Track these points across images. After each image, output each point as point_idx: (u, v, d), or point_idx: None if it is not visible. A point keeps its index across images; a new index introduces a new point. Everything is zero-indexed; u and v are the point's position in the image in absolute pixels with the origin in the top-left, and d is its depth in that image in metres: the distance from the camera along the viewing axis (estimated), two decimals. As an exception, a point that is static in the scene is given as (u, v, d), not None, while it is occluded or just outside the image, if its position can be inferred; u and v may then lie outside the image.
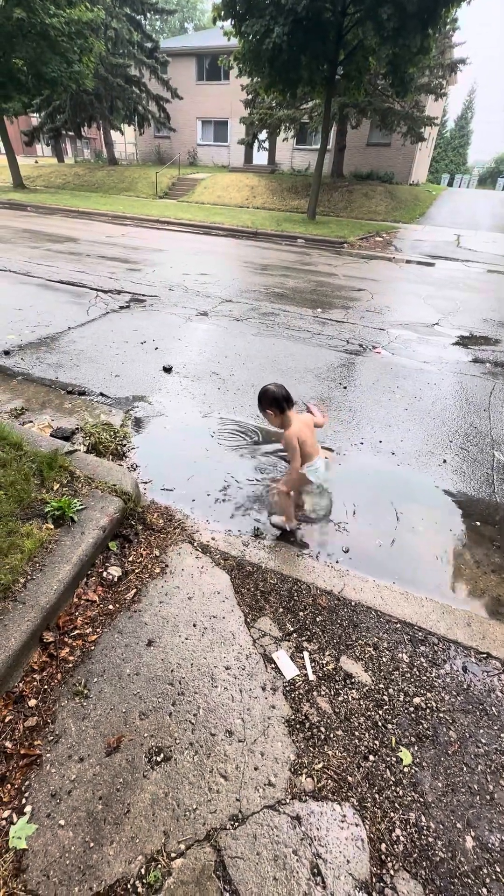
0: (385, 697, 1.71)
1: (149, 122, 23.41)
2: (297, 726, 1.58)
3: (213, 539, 2.40)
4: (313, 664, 1.80)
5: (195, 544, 2.35)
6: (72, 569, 1.95)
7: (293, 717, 1.61)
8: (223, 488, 2.82)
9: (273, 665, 1.78)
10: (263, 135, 21.33)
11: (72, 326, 5.12)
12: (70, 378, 4.01)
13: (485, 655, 1.91)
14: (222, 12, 11.69)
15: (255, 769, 1.45)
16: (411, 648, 1.92)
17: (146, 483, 2.82)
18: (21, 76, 14.58)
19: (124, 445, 3.15)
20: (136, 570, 2.14)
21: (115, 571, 2.11)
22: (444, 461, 3.26)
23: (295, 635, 1.92)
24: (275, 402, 2.19)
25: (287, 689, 1.70)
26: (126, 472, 2.67)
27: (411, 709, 1.68)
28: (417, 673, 1.81)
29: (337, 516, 2.67)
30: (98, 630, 1.84)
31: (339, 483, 2.95)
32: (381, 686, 1.75)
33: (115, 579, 2.08)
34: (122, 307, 5.89)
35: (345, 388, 4.19)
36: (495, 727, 1.65)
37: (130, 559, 2.20)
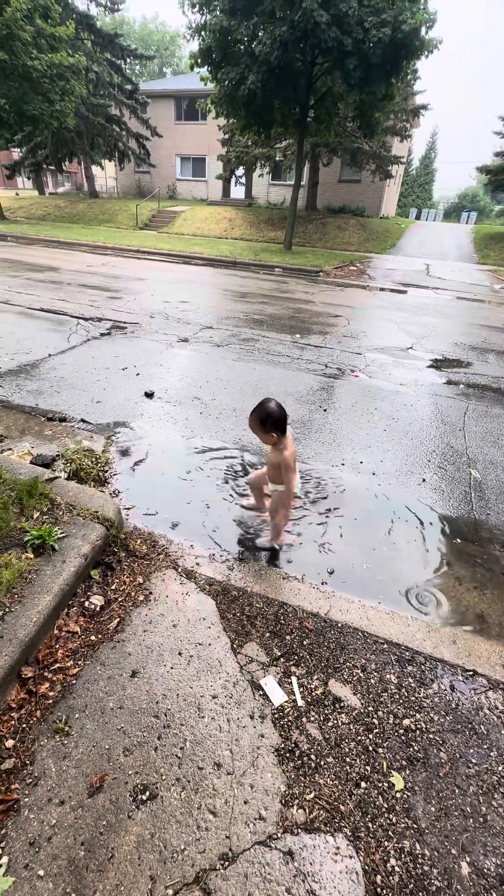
0: (375, 720, 1.69)
1: (129, 157, 24.20)
2: (287, 755, 1.55)
3: (197, 564, 2.37)
4: (302, 689, 1.77)
5: (179, 570, 2.31)
6: (52, 599, 1.90)
7: (283, 745, 1.57)
8: (206, 513, 2.81)
9: (261, 692, 1.74)
10: (240, 171, 22.27)
11: (52, 353, 5.12)
12: (50, 405, 3.98)
13: (471, 673, 1.91)
14: (199, 59, 12.36)
15: (245, 803, 1.40)
16: (399, 669, 1.91)
17: (128, 509, 2.79)
18: (3, 114, 14.97)
19: (106, 471, 3.12)
20: (119, 599, 2.09)
21: (97, 601, 2.06)
22: (424, 480, 3.33)
23: (282, 660, 1.89)
24: (279, 424, 2.15)
25: (276, 716, 1.66)
26: (108, 498, 2.64)
27: (401, 731, 1.66)
28: (406, 694, 1.80)
29: (322, 537, 2.68)
30: (80, 662, 1.78)
31: (322, 504, 2.97)
32: (371, 709, 1.73)
33: (98, 609, 2.03)
34: (103, 334, 5.93)
35: (325, 410, 4.28)
36: (484, 746, 1.64)
37: (113, 587, 2.15)
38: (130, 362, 5.02)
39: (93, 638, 1.89)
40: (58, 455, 3.18)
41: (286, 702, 1.72)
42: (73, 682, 1.71)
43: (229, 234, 19.22)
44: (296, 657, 1.91)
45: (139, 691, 1.70)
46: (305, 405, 4.35)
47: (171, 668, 1.80)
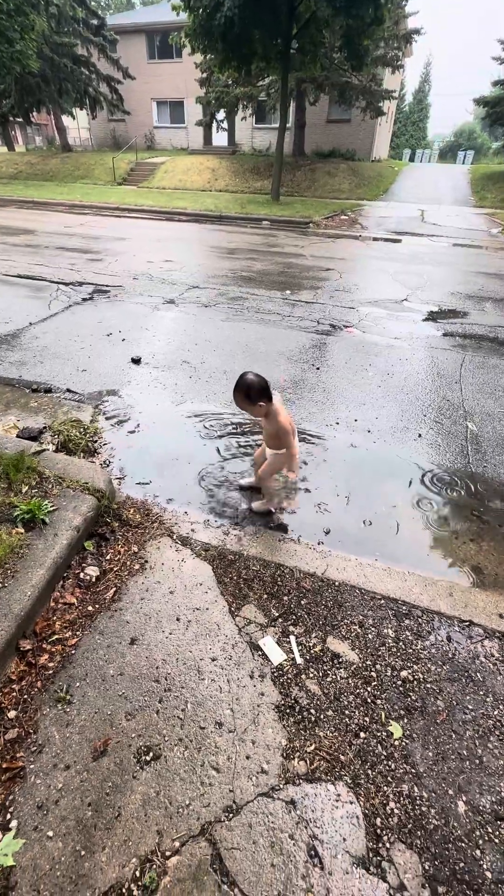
0: (373, 674, 1.71)
1: (101, 104, 22.47)
2: (288, 711, 1.57)
3: (192, 531, 2.35)
4: (300, 647, 1.79)
5: (174, 537, 2.30)
6: (46, 573, 1.88)
7: (283, 702, 1.60)
8: (200, 479, 2.77)
9: (260, 652, 1.76)
10: (221, 114, 20.82)
11: (33, 322, 4.91)
12: (34, 376, 3.85)
13: (467, 623, 1.93)
14: (169, -16, 11.19)
15: (247, 758, 1.43)
16: (396, 623, 1.93)
17: (120, 478, 2.74)
18: (-41, 59, 13.71)
19: (95, 442, 3.05)
20: (115, 569, 2.08)
21: (92, 571, 2.05)
22: (420, 435, 3.27)
23: (280, 620, 1.90)
24: (263, 391, 2.06)
25: (275, 674, 1.68)
26: (98, 468, 2.58)
27: (399, 682, 1.69)
28: (403, 647, 1.83)
29: (317, 497, 2.66)
30: (78, 633, 1.78)
31: (318, 464, 2.93)
32: (369, 663, 1.75)
33: (93, 579, 2.02)
34: (85, 299, 5.69)
35: (318, 369, 4.16)
36: (481, 692, 1.67)
37: (108, 558, 2.14)
38: (115, 327, 4.83)
39: (90, 608, 1.89)
40: (45, 427, 3.09)
41: (285, 660, 1.73)
42: (73, 652, 1.71)
43: (213, 185, 18.19)
44: (294, 617, 1.92)
45: (139, 658, 1.71)
46: (298, 364, 4.23)
47: (170, 633, 1.81)
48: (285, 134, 14.57)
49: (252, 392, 2.05)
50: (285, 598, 2.01)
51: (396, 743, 1.51)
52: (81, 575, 2.03)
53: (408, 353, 4.53)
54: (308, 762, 1.44)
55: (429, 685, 1.69)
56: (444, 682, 1.70)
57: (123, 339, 4.57)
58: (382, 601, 2.02)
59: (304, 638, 1.83)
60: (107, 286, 6.19)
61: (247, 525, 2.44)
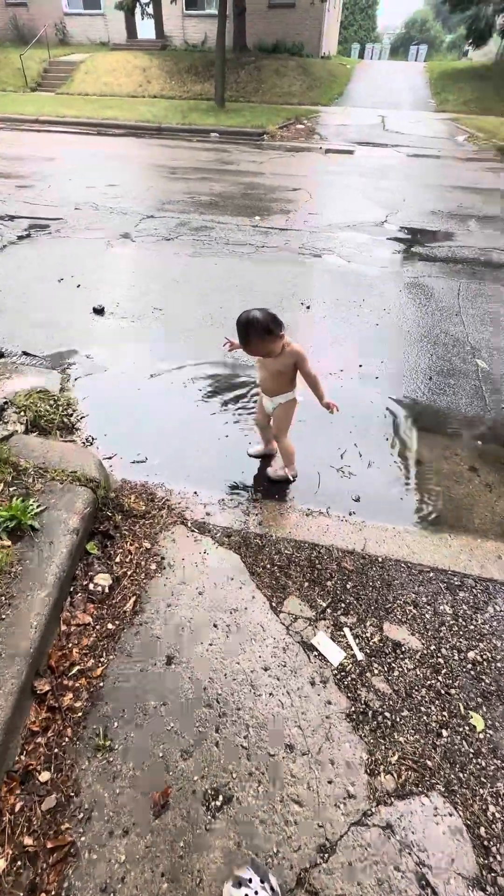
0: (440, 660, 1.57)
1: (-6, -18, 18.30)
2: (360, 718, 1.41)
3: (207, 514, 2.05)
4: (358, 640, 1.61)
5: (189, 524, 1.99)
6: (49, 593, 1.55)
7: (353, 708, 1.43)
8: (203, 449, 2.42)
9: (315, 653, 1.56)
10: (145, -4, 17.52)
11: (-38, 269, 4.09)
12: (-22, 338, 3.22)
13: (523, 588, 1.81)
14: None
15: (329, 783, 1.27)
16: (451, 597, 1.77)
17: (109, 458, 2.35)
18: None
19: (71, 415, 2.60)
20: (129, 573, 1.78)
21: (102, 580, 1.73)
22: (430, 378, 3.02)
23: (329, 611, 1.70)
24: (277, 320, 1.75)
25: (338, 677, 1.50)
26: (84, 451, 2.18)
27: (468, 666, 1.56)
28: (464, 623, 1.68)
29: (336, 460, 2.40)
30: (102, 659, 1.51)
31: (331, 421, 2.64)
32: (433, 648, 1.60)
33: (106, 589, 1.71)
34: (21, 237, 4.80)
35: (308, 307, 3.73)
36: (553, 665, 1.57)
37: (118, 560, 1.82)
38: (66, 271, 4.11)
39: (110, 626, 1.60)
40: (5, 403, 2.58)
41: (345, 658, 1.55)
42: (101, 684, 1.44)
43: (146, 90, 15.74)
44: (342, 605, 1.72)
45: (181, 680, 1.47)
46: (285, 303, 3.77)
47: (210, 644, 1.57)
48: (225, 24, 12.50)
49: (271, 325, 1.73)
50: (328, 583, 1.79)
51: (481, 736, 1.39)
52: (91, 586, 1.71)
53: (400, 284, 4.15)
54: (395, 775, 1.29)
55: (499, 664, 1.57)
56: (513, 659, 1.58)
57: (79, 286, 3.90)
58: (431, 573, 1.85)
59: (359, 628, 1.65)
60: (45, 220, 5.25)
61: (267, 500, 2.16)
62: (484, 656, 1.59)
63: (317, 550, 1.92)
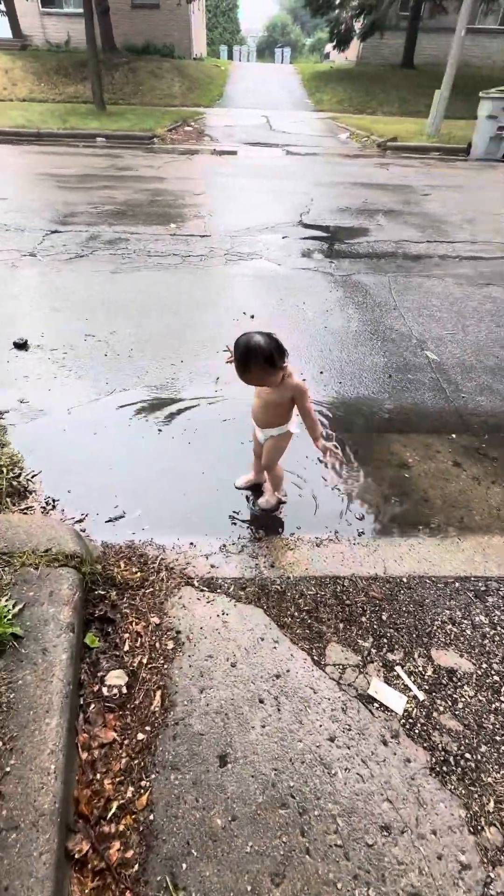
0: (495, 678, 1.51)
1: None
2: (444, 769, 1.30)
3: (213, 567, 1.83)
4: (413, 678, 1.50)
5: (196, 584, 1.76)
6: (59, 718, 1.24)
7: (433, 759, 1.32)
8: (182, 489, 2.18)
9: (376, 704, 1.43)
10: (-5, -9, 16.16)
11: None
12: None
13: (541, 579, 1.83)
14: None
15: (440, 858, 1.14)
16: (481, 605, 1.74)
17: (81, 521, 2.02)
18: None
19: (18, 476, 2.20)
20: (144, 661, 1.50)
21: (116, 679, 1.45)
22: (390, 376, 3.04)
23: (374, 651, 1.57)
24: (281, 347, 1.57)
25: (407, 727, 1.38)
26: (51, 519, 1.84)
27: (522, 676, 1.52)
28: (502, 630, 1.65)
29: (323, 475, 2.29)
30: (143, 783, 1.24)
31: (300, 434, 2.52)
32: (485, 666, 1.55)
33: (124, 689, 1.43)
34: None
35: (252, 317, 3.59)
36: None
37: (126, 648, 1.53)
38: (-32, 302, 3.55)
39: (140, 736, 1.33)
40: None
41: (407, 702, 1.44)
42: (150, 817, 1.18)
43: (13, 93, 14.47)
44: (385, 640, 1.61)
45: (242, 781, 1.25)
46: (228, 314, 3.59)
47: (263, 726, 1.36)
48: (93, 22, 11.88)
49: (275, 354, 1.55)
50: (363, 618, 1.67)
51: None
52: (104, 690, 1.42)
53: (333, 284, 4.17)
54: (499, 825, 1.20)
55: (548, 666, 1.55)
56: None
57: (-11, 318, 3.38)
58: (456, 584, 1.81)
59: (409, 663, 1.54)
60: None
61: (271, 535, 1.99)
62: (532, 662, 1.57)
63: (340, 584, 1.78)
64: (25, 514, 1.98)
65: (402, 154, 10.53)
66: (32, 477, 2.21)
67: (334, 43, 20.03)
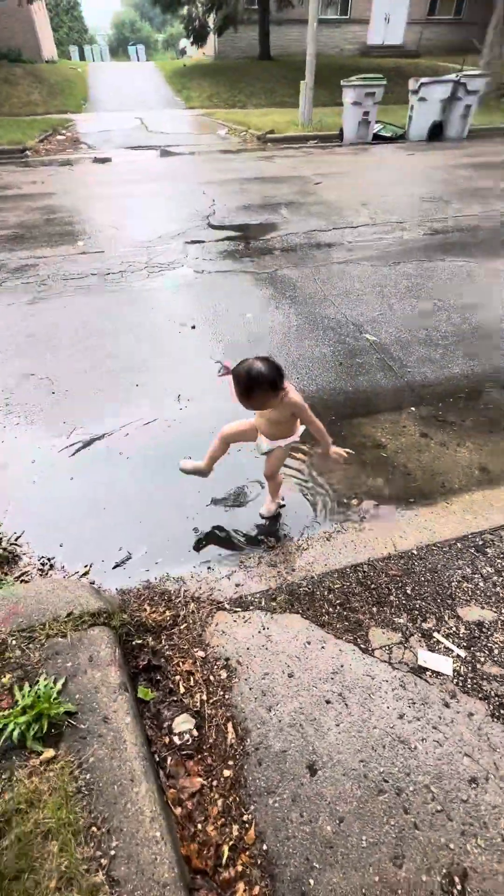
0: (515, 618, 1.70)
1: None
2: (501, 711, 1.44)
3: (238, 586, 1.83)
4: (450, 639, 1.63)
5: (227, 606, 1.75)
6: (146, 783, 1.19)
7: (490, 706, 1.45)
8: (180, 517, 2.14)
9: (428, 672, 1.54)
10: None
11: None
12: None
13: (523, 522, 2.06)
14: None
15: (523, 791, 1.27)
16: (484, 558, 1.93)
17: (87, 573, 1.91)
18: None
19: (0, 541, 2.02)
20: (204, 697, 1.48)
21: (184, 724, 1.41)
22: (341, 363, 3.19)
23: (410, 625, 1.68)
24: (282, 374, 1.61)
25: (460, 685, 1.51)
26: (63, 581, 1.73)
27: (535, 611, 1.72)
28: (508, 576, 1.85)
29: (305, 471, 2.37)
30: (245, 818, 1.23)
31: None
32: (501, 608, 1.72)
33: (194, 731, 1.40)
34: None
35: (193, 327, 3.56)
36: None
37: (182, 690, 1.50)
38: None
39: (227, 773, 1.32)
40: None
41: (453, 663, 1.56)
42: (263, 847, 1.18)
43: None
44: (416, 612, 1.73)
45: (337, 783, 1.29)
46: (168, 328, 3.53)
47: (337, 724, 1.41)
48: None
49: (277, 379, 1.58)
50: (391, 597, 1.78)
51: None
52: (175, 740, 1.38)
53: (261, 282, 4.25)
54: None
55: (551, 596, 1.77)
56: None
57: None
58: (458, 544, 1.98)
59: (443, 627, 1.67)
60: None
61: (282, 541, 2.03)
62: (539, 596, 1.77)
63: (360, 570, 1.88)
64: (25, 581, 1.83)
65: (283, 145, 10.87)
66: (16, 539, 2.04)
67: (191, 39, 19.99)
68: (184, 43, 30.39)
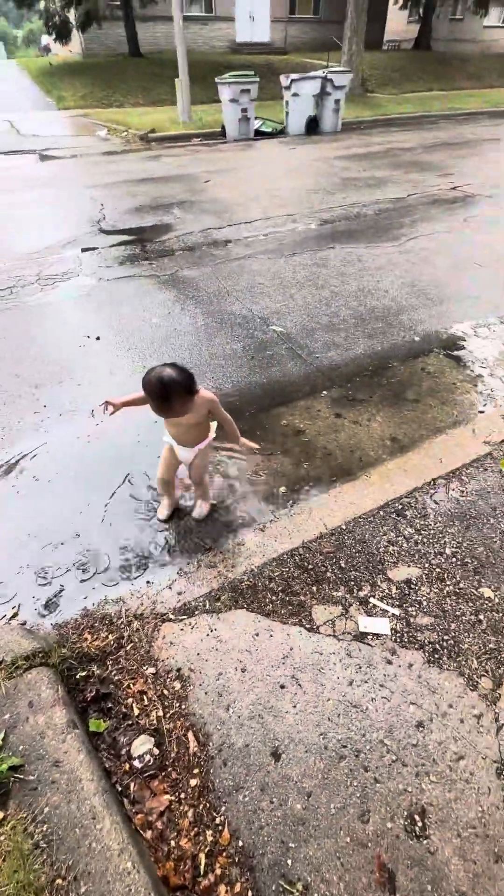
0: (437, 569, 1.86)
1: None
2: (435, 656, 1.57)
3: (180, 594, 1.81)
4: (385, 600, 1.75)
5: (174, 617, 1.73)
6: (110, 817, 1.15)
7: (425, 653, 1.58)
8: (105, 536, 2.07)
9: (369, 636, 1.64)
10: None
11: None
12: None
13: (431, 480, 2.26)
14: None
15: (462, 721, 1.41)
16: (405, 521, 2.08)
17: (15, 616, 1.78)
18: None
19: None
20: (160, 713, 1.45)
21: (143, 747, 1.37)
22: (252, 357, 3.25)
23: (348, 597, 1.78)
24: (192, 376, 1.61)
25: (398, 640, 1.63)
26: (-13, 629, 1.59)
27: (454, 558, 1.90)
28: (425, 531, 2.02)
29: (230, 471, 2.40)
30: (217, 821, 1.23)
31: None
32: (426, 564, 1.88)
33: (155, 750, 1.37)
34: None
35: (98, 338, 3.42)
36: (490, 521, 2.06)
37: (136, 712, 1.46)
38: None
39: (193, 781, 1.31)
40: None
41: (390, 622, 1.68)
42: (240, 843, 1.19)
43: None
44: (352, 582, 1.83)
45: (300, 762, 1.34)
46: (70, 342, 3.36)
47: (294, 706, 1.46)
48: None
49: (191, 381, 1.60)
50: (328, 574, 1.86)
51: (497, 600, 1.75)
52: (136, 763, 1.34)
53: (163, 285, 4.18)
54: (487, 674, 1.52)
55: (468, 542, 1.96)
56: (475, 529, 2.00)
57: None
58: (380, 512, 2.13)
59: (377, 591, 1.79)
60: None
61: (217, 541, 2.04)
62: (455, 542, 1.96)
63: (297, 554, 1.95)
64: None
65: (167, 144, 10.73)
66: None
67: (53, 35, 18.95)
68: (46, 39, 28.70)
